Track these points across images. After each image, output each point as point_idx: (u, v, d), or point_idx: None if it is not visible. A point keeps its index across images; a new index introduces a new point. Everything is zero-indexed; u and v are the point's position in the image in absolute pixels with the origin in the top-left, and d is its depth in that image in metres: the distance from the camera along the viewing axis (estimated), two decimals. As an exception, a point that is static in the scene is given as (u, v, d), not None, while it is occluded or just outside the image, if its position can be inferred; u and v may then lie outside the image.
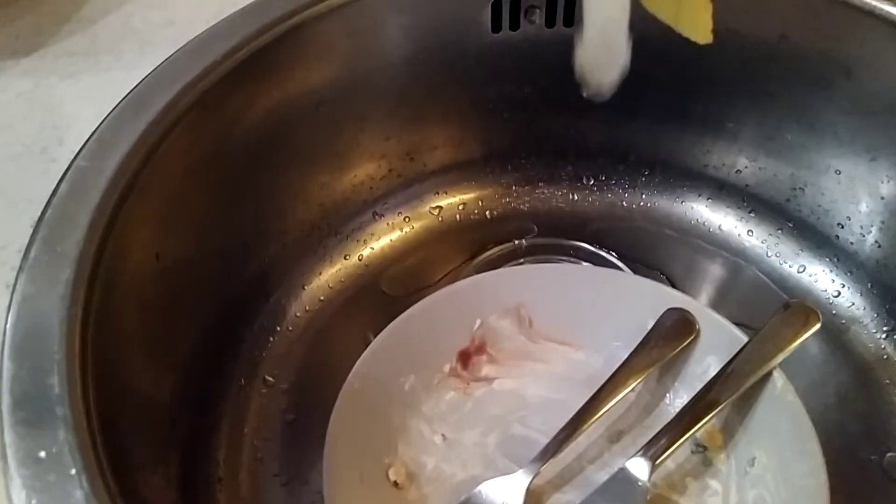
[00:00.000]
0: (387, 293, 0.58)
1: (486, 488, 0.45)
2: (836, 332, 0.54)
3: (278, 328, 0.55)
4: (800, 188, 0.58)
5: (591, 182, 0.64)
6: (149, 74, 0.45)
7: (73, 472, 0.30)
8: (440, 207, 0.63)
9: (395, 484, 0.46)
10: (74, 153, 0.42)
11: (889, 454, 0.49)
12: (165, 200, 0.44)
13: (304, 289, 0.57)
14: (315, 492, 0.48)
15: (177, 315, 0.46)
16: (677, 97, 0.59)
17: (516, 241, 0.62)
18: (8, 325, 0.35)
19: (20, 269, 0.37)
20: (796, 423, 0.43)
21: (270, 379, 0.53)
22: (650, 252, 0.60)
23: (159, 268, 0.44)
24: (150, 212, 0.43)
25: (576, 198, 0.64)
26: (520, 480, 0.44)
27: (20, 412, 0.32)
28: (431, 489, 0.47)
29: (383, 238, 0.61)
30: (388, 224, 0.62)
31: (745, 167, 0.60)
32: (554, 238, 0.62)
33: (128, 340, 0.40)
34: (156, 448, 0.42)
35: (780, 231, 0.60)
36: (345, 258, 0.60)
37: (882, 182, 0.54)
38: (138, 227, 0.41)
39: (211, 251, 0.49)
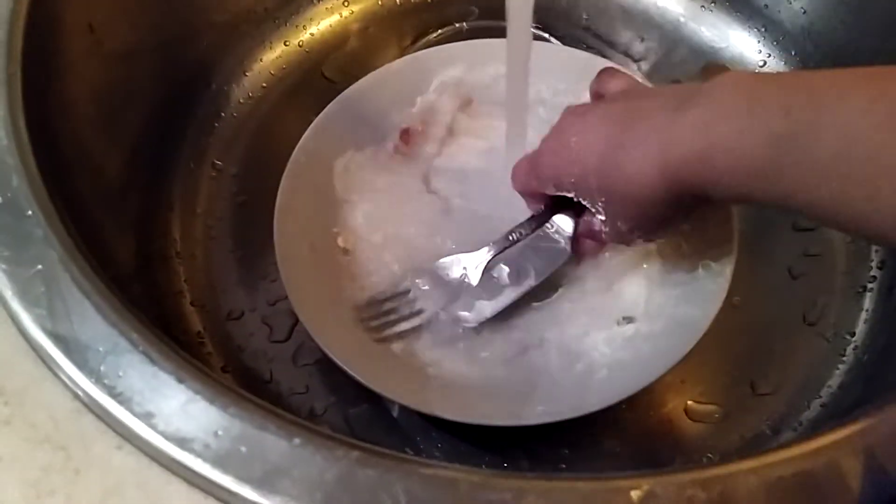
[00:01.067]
0: (329, 78, 0.59)
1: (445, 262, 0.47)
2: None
3: (222, 114, 0.56)
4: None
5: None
6: None
7: (30, 213, 0.32)
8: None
9: (345, 251, 0.49)
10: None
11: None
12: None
13: (245, 75, 0.58)
14: (270, 263, 0.50)
15: (119, 96, 0.46)
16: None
17: (457, 24, 0.62)
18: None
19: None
20: None
21: (219, 163, 0.54)
22: (588, 27, 0.61)
23: (95, 43, 0.43)
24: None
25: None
26: (479, 258, 0.46)
27: (-29, 164, 0.33)
28: (381, 253, 0.49)
29: (322, 23, 0.61)
30: (326, 8, 0.61)
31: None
32: (495, 21, 0.62)
33: (71, 109, 0.41)
34: (111, 214, 0.43)
35: (713, 4, 0.60)
36: (284, 44, 0.60)
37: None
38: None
39: (148, 34, 0.49)
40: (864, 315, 0.48)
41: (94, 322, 0.29)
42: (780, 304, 0.49)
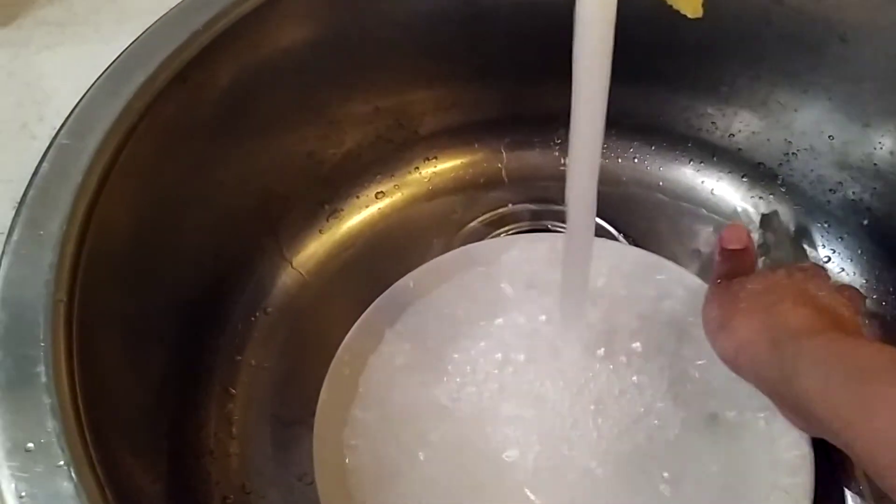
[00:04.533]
0: (373, 263, 0.58)
1: None
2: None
3: (263, 306, 0.55)
4: (793, 153, 0.58)
5: (584, 146, 0.63)
6: (128, 47, 0.44)
7: (62, 462, 0.30)
8: (430, 173, 0.63)
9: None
10: (54, 129, 0.42)
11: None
12: (146, 178, 0.43)
13: (289, 264, 0.57)
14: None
15: (158, 295, 0.45)
16: (669, 61, 0.58)
17: (509, 206, 0.61)
18: (-8, 312, 0.34)
19: (3, 252, 0.37)
20: None
21: (257, 357, 0.53)
22: (641, 218, 0.60)
23: (140, 247, 0.43)
24: (131, 190, 0.42)
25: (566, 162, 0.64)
26: None
27: (6, 401, 0.32)
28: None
29: (372, 206, 0.60)
30: (378, 192, 0.61)
31: (739, 131, 0.59)
32: (544, 204, 0.61)
33: (111, 323, 0.40)
34: (143, 431, 0.42)
35: (771, 196, 0.59)
36: (332, 229, 0.59)
37: (875, 148, 0.53)
38: (120, 206, 0.41)
39: (193, 228, 0.48)
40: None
41: None
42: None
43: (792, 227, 0.58)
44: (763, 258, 0.56)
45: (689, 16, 0.38)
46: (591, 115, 0.36)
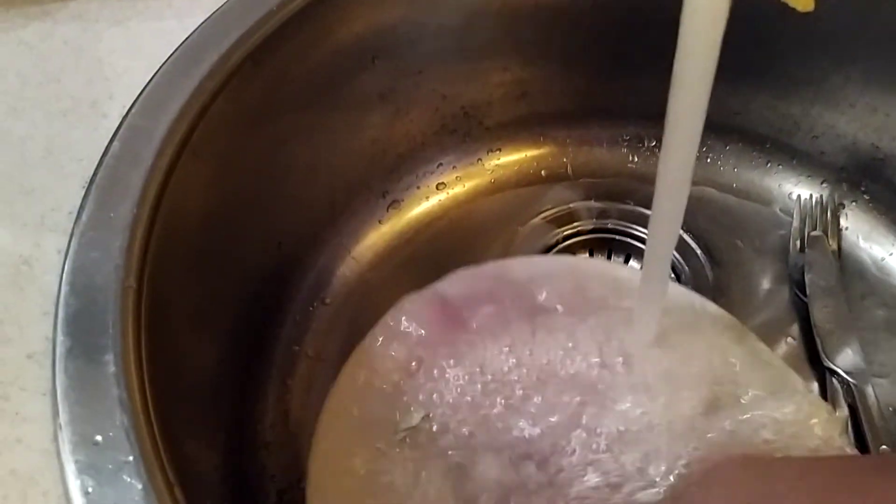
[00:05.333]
0: (432, 256, 0.56)
1: None
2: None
3: (322, 296, 0.53)
4: (880, 158, 0.55)
5: (654, 144, 0.61)
6: (200, 25, 0.43)
7: (131, 458, 0.29)
8: (493, 165, 0.61)
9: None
10: (125, 107, 0.40)
11: None
12: (217, 161, 0.42)
13: (349, 254, 0.55)
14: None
15: (223, 284, 0.44)
16: (754, 56, 0.55)
17: (570, 205, 0.59)
18: (61, 297, 0.33)
19: (72, 234, 0.36)
20: None
21: (311, 353, 0.52)
22: (712, 220, 0.57)
23: (207, 233, 0.42)
24: (202, 173, 0.41)
25: (636, 160, 0.61)
26: None
27: (75, 392, 0.31)
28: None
29: (433, 198, 0.59)
30: (439, 184, 0.59)
31: (822, 133, 0.56)
32: (609, 202, 0.59)
33: (177, 310, 0.39)
34: (203, 423, 0.41)
35: (854, 203, 0.56)
36: (392, 220, 0.58)
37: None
38: (190, 190, 0.39)
39: (260, 215, 0.47)
40: None
41: None
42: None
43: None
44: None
45: (800, 10, 0.35)
46: (690, 122, 0.33)
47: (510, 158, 0.61)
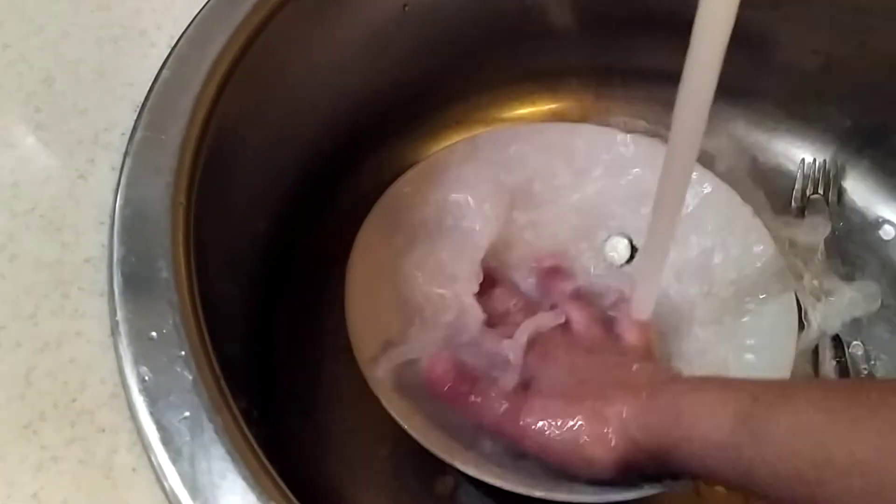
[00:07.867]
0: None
1: None
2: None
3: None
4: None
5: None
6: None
7: (182, 353, 0.32)
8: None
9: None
10: (172, 38, 0.43)
11: None
12: (261, 89, 0.45)
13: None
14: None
15: (263, 207, 0.47)
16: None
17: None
18: (117, 208, 0.36)
19: (126, 153, 0.38)
20: None
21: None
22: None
23: (254, 158, 0.45)
24: (247, 100, 0.44)
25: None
26: None
27: (130, 293, 0.34)
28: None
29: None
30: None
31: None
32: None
33: (224, 225, 0.42)
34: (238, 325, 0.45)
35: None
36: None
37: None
38: (235, 115, 0.42)
39: (307, 141, 0.50)
40: None
41: (233, 485, 0.29)
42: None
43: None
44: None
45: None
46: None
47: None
